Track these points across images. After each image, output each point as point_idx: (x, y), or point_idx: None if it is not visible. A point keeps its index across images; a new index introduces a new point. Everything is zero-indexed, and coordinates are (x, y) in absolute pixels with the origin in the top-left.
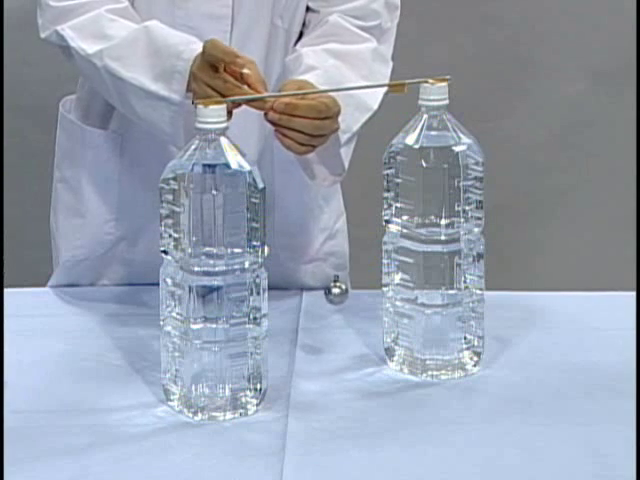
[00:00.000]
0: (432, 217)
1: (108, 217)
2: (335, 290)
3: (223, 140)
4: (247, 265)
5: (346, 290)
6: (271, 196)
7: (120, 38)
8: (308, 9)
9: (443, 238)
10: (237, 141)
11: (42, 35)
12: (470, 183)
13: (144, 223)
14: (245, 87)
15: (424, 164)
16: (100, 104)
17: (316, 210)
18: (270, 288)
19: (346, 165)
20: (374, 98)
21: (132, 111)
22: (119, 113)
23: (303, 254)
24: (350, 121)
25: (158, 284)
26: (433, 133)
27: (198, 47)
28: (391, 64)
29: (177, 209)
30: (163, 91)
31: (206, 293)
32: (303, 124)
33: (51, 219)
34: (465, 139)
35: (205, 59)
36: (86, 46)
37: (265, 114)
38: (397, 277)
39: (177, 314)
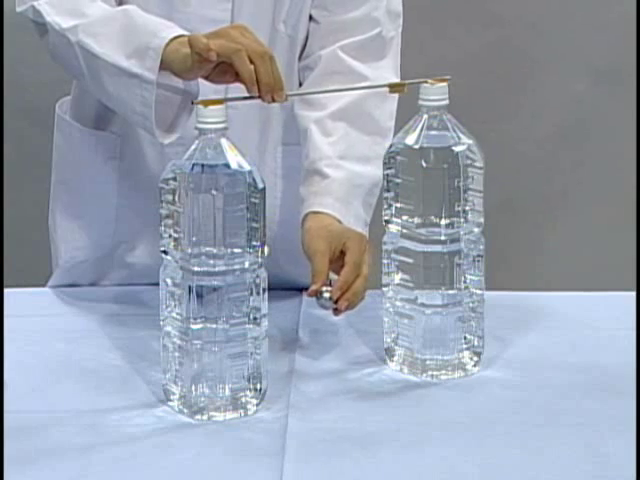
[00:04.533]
0: (432, 217)
1: (107, 219)
2: (326, 294)
3: (223, 140)
4: (247, 265)
5: None
6: (273, 201)
7: (97, 16)
8: (311, 18)
9: (443, 238)
10: (240, 144)
11: (18, 9)
12: (470, 183)
13: (143, 225)
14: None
15: (424, 164)
16: (93, 104)
17: None
18: (270, 289)
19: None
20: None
21: (103, 90)
22: (115, 113)
23: (303, 257)
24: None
25: (158, 285)
26: (433, 133)
27: (177, 30)
28: (397, 77)
29: (177, 209)
30: (136, 68)
31: (206, 293)
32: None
33: (50, 220)
34: (465, 139)
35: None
36: (61, 21)
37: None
38: (397, 277)
39: (177, 314)
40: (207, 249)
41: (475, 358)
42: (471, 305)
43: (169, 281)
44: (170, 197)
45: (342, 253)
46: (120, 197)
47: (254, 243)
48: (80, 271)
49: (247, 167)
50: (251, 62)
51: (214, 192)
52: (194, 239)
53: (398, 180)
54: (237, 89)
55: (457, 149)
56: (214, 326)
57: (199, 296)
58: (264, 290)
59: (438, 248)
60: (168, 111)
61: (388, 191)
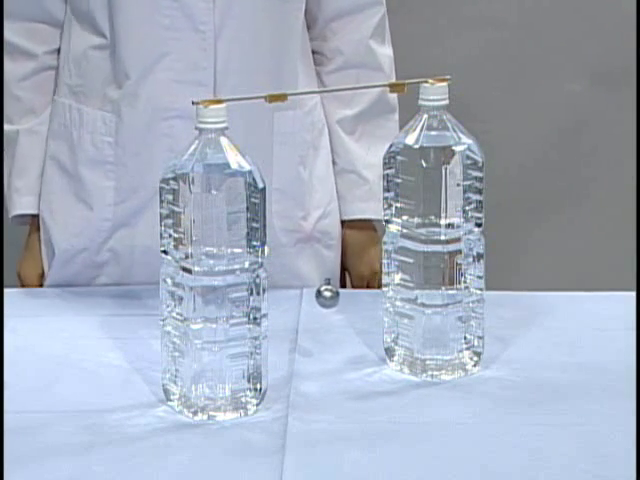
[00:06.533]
0: (432, 217)
1: (107, 202)
2: (326, 293)
3: (223, 140)
4: (247, 265)
5: (337, 293)
6: (270, 168)
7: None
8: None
9: (443, 238)
10: (235, 109)
11: None
12: (470, 183)
13: (142, 209)
14: None
15: (424, 164)
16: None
17: (311, 186)
18: (270, 287)
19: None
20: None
21: None
22: (112, 94)
23: (299, 228)
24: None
25: (158, 284)
26: (433, 133)
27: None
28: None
29: (177, 209)
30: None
31: (206, 293)
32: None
33: (42, 206)
34: (465, 139)
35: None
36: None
37: None
38: (397, 277)
39: (177, 314)
40: (207, 249)
41: (475, 358)
42: (471, 305)
43: (169, 281)
44: (170, 197)
45: None
46: (119, 180)
47: (254, 243)
48: (78, 262)
49: (247, 167)
50: None
51: (214, 192)
52: (194, 239)
53: (398, 180)
54: (236, 90)
55: (457, 149)
56: (214, 326)
57: (199, 296)
58: (264, 290)
59: (438, 248)
60: None
61: (388, 191)
